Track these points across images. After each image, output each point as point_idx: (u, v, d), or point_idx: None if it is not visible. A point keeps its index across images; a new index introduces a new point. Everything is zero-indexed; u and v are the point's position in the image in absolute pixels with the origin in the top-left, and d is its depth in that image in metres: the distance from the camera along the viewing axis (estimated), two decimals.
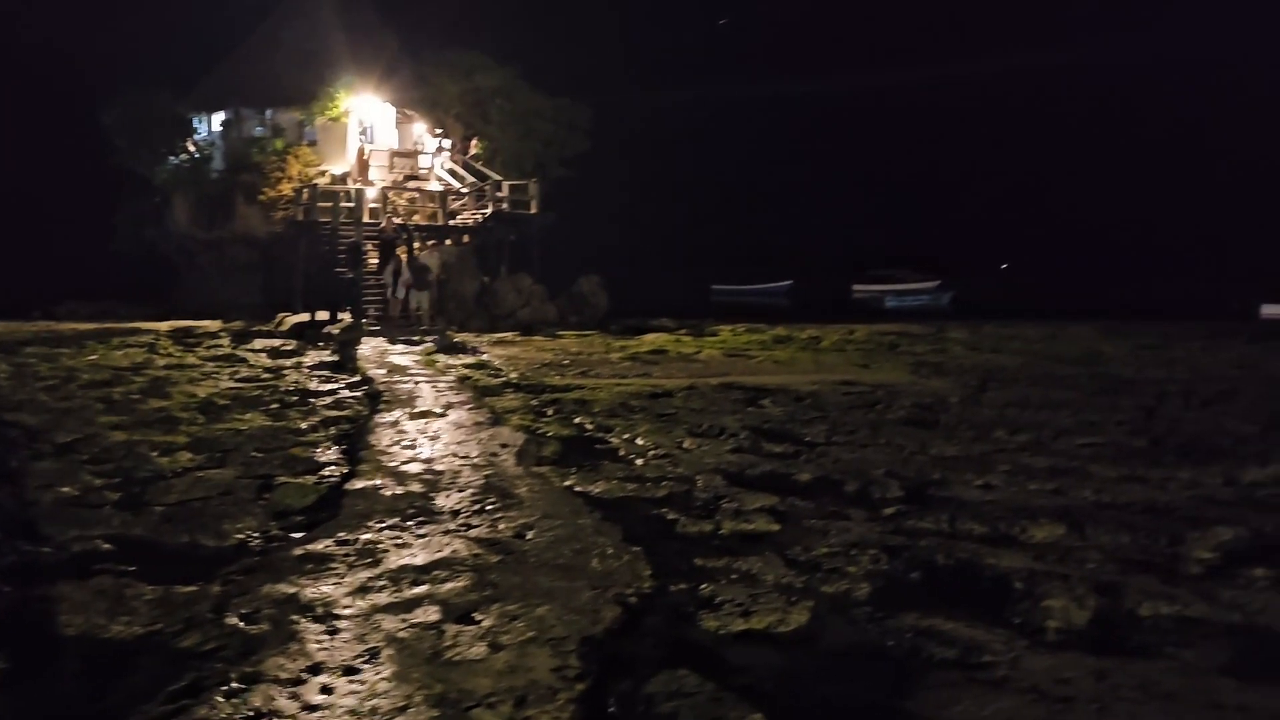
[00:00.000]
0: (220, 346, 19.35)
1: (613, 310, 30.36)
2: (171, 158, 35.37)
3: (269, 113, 34.91)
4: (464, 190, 31.79)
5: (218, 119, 36.26)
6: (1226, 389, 12.80)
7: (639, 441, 8.76)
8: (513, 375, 14.19)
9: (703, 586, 4.77)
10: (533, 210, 30.70)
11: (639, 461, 7.94)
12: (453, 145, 34.40)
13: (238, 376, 13.82)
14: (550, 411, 10.52)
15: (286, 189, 32.26)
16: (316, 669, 3.76)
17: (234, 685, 3.61)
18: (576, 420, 9.96)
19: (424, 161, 33.43)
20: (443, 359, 16.76)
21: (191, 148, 35.59)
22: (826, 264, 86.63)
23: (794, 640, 4.21)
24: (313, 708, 3.45)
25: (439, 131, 34.82)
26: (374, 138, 34.16)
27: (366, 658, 3.87)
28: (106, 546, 5.52)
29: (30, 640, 4.23)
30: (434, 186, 32.28)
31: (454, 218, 30.56)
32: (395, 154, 33.06)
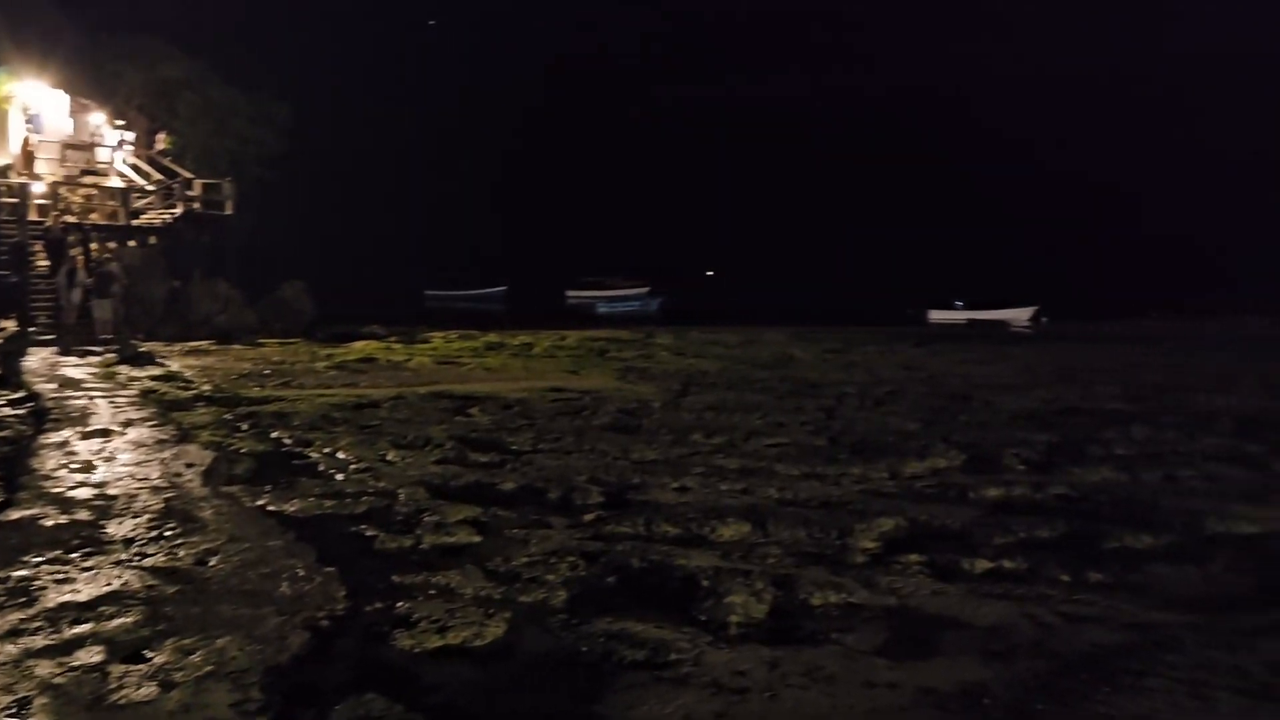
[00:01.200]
0: None
1: (320, 317, 29.16)
2: None
3: None
4: (150, 188, 29.40)
5: None
6: (895, 389, 14.11)
7: (340, 455, 8.46)
8: (205, 387, 13.30)
9: (399, 604, 4.66)
10: (228, 211, 28.89)
11: (339, 476, 7.66)
12: (136, 139, 31.73)
13: None
14: (245, 426, 9.95)
15: None
16: None
17: None
18: (274, 435, 9.48)
19: (102, 155, 30.58)
20: (125, 371, 15.44)
21: None
22: (541, 270, 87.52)
23: (490, 653, 4.20)
24: None
25: (120, 123, 32.00)
26: (42, 127, 30.87)
27: (14, 710, 3.48)
28: None
29: None
30: (115, 183, 29.63)
31: (138, 217, 28.21)
32: (68, 146, 30.01)
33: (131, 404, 11.54)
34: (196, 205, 28.23)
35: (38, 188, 26.94)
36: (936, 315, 43.51)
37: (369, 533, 6.01)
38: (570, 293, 73.47)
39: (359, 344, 22.17)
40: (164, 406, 11.34)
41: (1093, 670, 3.87)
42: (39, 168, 28.46)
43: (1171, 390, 14.30)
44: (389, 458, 8.38)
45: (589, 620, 4.50)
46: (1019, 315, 42.55)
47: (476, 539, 5.90)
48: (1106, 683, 3.73)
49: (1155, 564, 5.49)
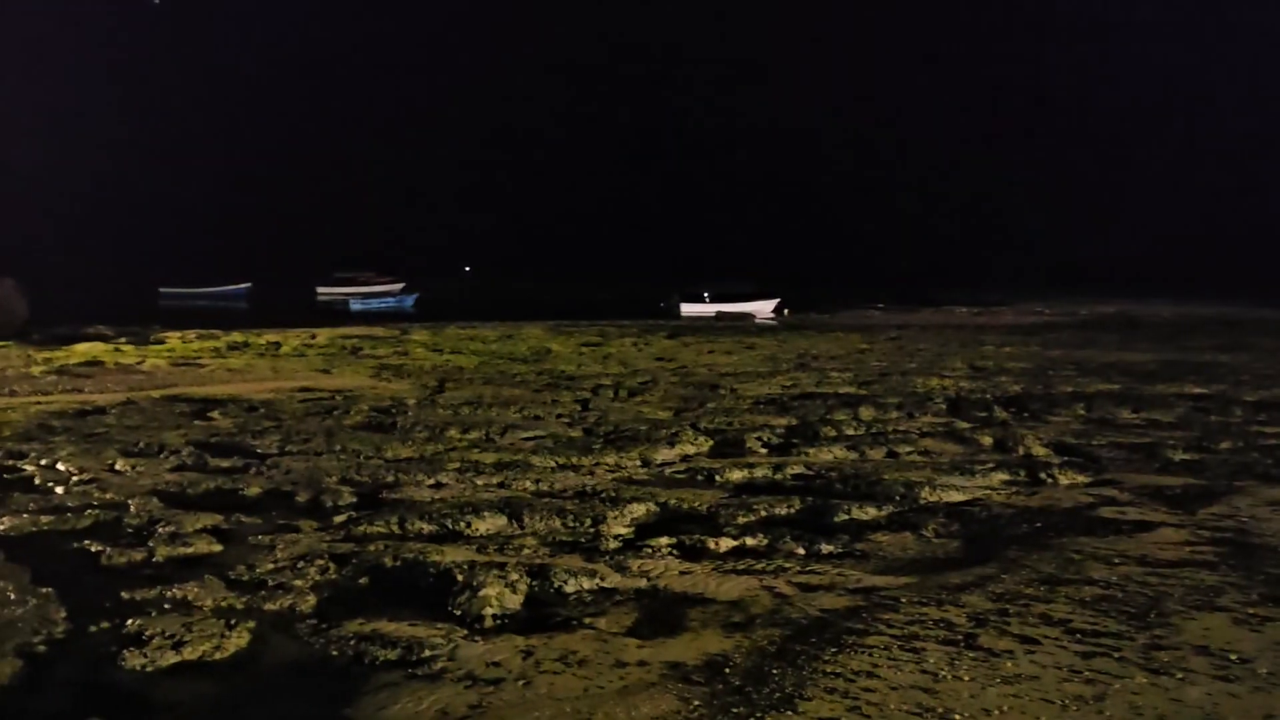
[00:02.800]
0: None
1: (36, 317, 26.59)
2: None
3: None
4: None
5: None
6: (648, 380, 14.51)
7: (60, 467, 7.78)
8: None
9: (129, 622, 4.36)
10: None
11: (59, 490, 7.04)
12: None
13: None
14: None
15: None
16: None
17: None
18: None
19: None
20: None
21: None
22: (288, 265, 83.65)
23: (232, 666, 4.01)
24: None
25: None
26: None
27: None
28: None
29: None
30: None
31: None
32: None
33: None
34: None
35: None
36: (687, 308, 45.03)
37: (94, 548, 5.56)
38: (321, 290, 70.59)
39: (83, 346, 20.40)
40: None
41: (822, 634, 4.15)
42: None
43: (894, 374, 15.48)
44: (117, 467, 7.79)
45: (339, 623, 4.38)
46: (763, 308, 44.79)
47: (217, 548, 5.59)
48: (834, 644, 4.02)
49: (878, 533, 5.96)
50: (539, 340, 23.48)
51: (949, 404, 11.72)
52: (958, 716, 3.34)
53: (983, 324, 34.28)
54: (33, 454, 8.24)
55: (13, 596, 4.64)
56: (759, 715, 3.34)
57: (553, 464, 8.04)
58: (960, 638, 4.09)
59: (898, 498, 6.81)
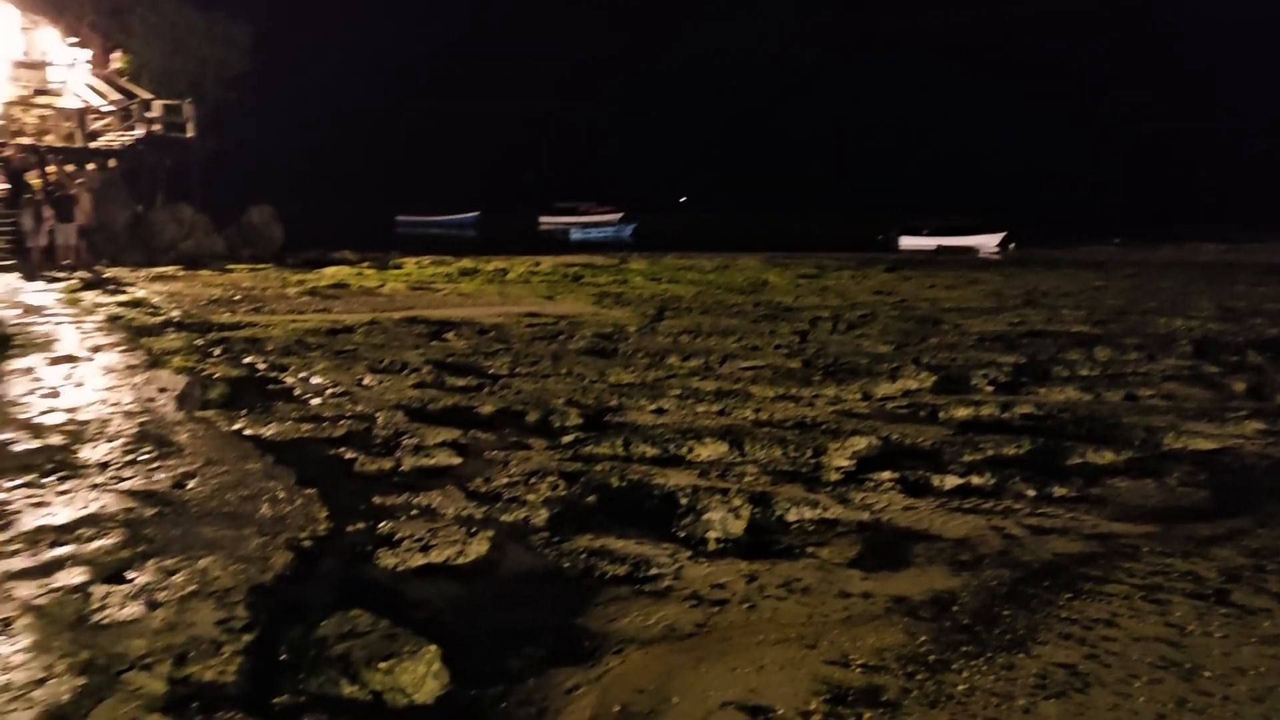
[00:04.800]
0: None
1: (289, 243, 28.76)
2: None
3: None
4: (107, 108, 28.63)
5: None
6: (867, 313, 14.19)
7: (316, 380, 8.43)
8: (174, 313, 13.16)
9: (381, 525, 4.70)
10: (189, 134, 28.21)
11: (315, 401, 7.65)
12: (92, 58, 30.78)
13: None
14: (218, 351, 9.87)
15: None
16: None
17: None
18: (247, 360, 9.42)
19: (55, 75, 29.64)
20: (89, 297, 15.23)
21: None
22: (514, 196, 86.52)
23: (473, 571, 4.26)
24: None
25: (73, 41, 30.98)
26: None
27: None
28: None
29: None
30: (70, 103, 28.79)
31: (96, 139, 27.50)
32: (18, 64, 29.07)
33: (99, 330, 11.41)
34: (157, 127, 27.53)
35: None
36: (907, 242, 43.51)
37: (348, 455, 6.03)
38: (543, 219, 72.73)
39: (330, 270, 21.94)
40: (132, 332, 11.22)
41: (1056, 578, 3.98)
42: None
43: (1132, 313, 14.47)
44: (365, 382, 8.36)
45: (570, 538, 4.56)
46: (988, 241, 42.65)
47: (456, 461, 5.93)
48: (1069, 589, 3.85)
49: (1116, 478, 5.62)
50: (755, 272, 23.36)
51: (1195, 346, 10.84)
52: (1208, 673, 3.14)
53: (1233, 261, 31.42)
54: (292, 367, 8.97)
55: (282, 496, 5.10)
56: (990, 655, 3.26)
57: (772, 394, 8.03)
58: (1210, 592, 3.82)
59: (1137, 443, 6.39)
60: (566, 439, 6.52)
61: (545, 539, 4.60)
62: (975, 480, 5.54)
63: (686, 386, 8.26)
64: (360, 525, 4.72)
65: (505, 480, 5.46)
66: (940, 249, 40.14)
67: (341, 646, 3.28)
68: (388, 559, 4.29)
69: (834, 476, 5.66)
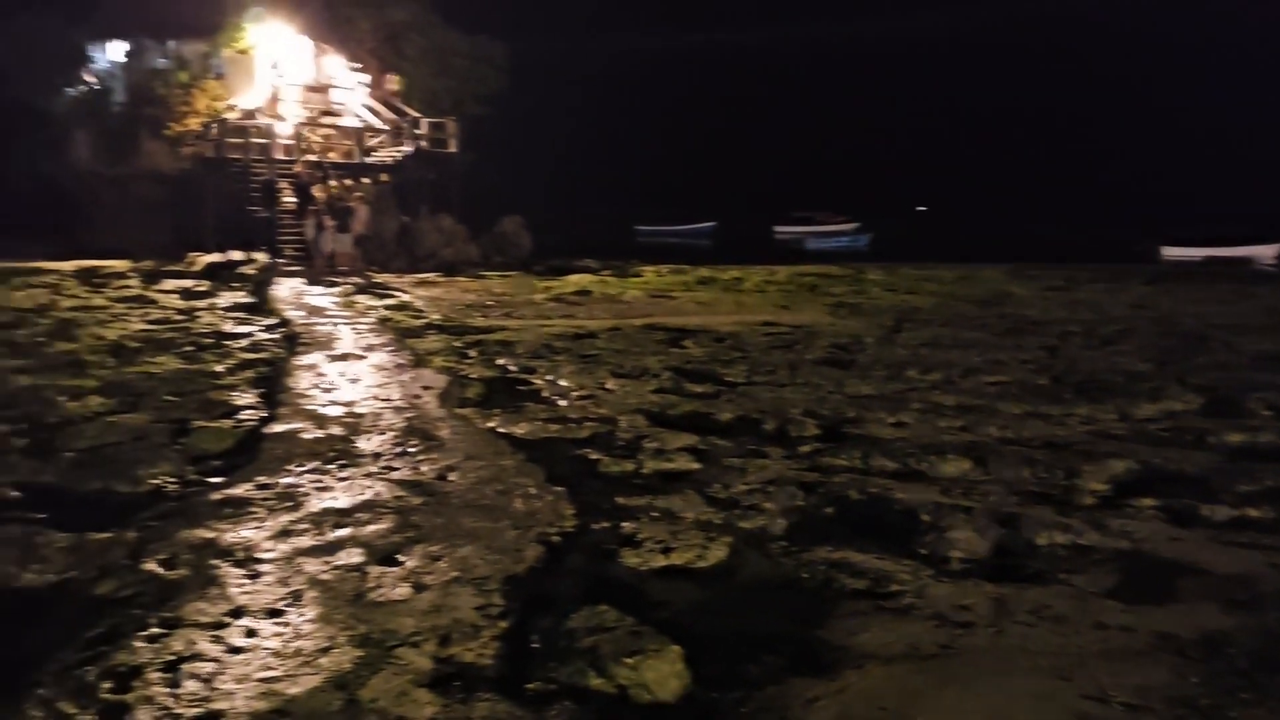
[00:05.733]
0: (129, 287, 18.76)
1: (536, 251, 30.15)
2: (69, 89, 33.86)
3: (171, 44, 33.50)
4: (382, 127, 31.05)
5: (117, 49, 34.69)
6: (1124, 329, 13.31)
7: (562, 383, 8.82)
8: (435, 317, 14.09)
9: (624, 525, 4.87)
10: (452, 149, 30.17)
11: (562, 403, 8.00)
12: (370, 81, 33.50)
13: (149, 318, 13.47)
14: (473, 353, 10.50)
15: (193, 124, 31.11)
16: (239, 612, 3.77)
17: (154, 630, 3.61)
18: (499, 362, 9.97)
19: (339, 97, 32.48)
20: (362, 300, 16.55)
21: (90, 79, 34.09)
22: (750, 206, 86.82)
23: (713, 575, 4.34)
24: (236, 650, 3.47)
25: (355, 66, 33.84)
26: (286, 72, 33.04)
27: (289, 600, 3.89)
28: (14, 494, 5.41)
29: None
30: (350, 123, 31.44)
31: (371, 155, 29.88)
32: (309, 89, 32.05)
33: (371, 331, 12.39)
34: (424, 143, 29.61)
35: (283, 128, 28.96)
36: (1170, 252, 40.33)
37: (592, 456, 6.28)
38: (778, 229, 72.62)
39: (574, 277, 22.80)
40: (399, 333, 12.11)
41: None
42: (284, 110, 30.56)
43: None
44: (608, 386, 8.66)
45: (808, 548, 4.57)
46: (1264, 253, 38.86)
47: (695, 466, 6.05)
48: None
49: None
50: (998, 283, 22.38)
51: None
52: None
53: None
54: (540, 369, 9.42)
55: (533, 492, 5.38)
56: (1272, 705, 3.01)
57: (1019, 411, 7.70)
58: None
59: None
60: (804, 449, 6.51)
61: (783, 548, 4.63)
62: (1251, 513, 5.11)
63: (927, 400, 8.06)
64: (604, 524, 4.92)
65: (743, 487, 5.53)
66: (1208, 260, 36.96)
67: (590, 639, 3.44)
68: (631, 558, 4.45)
69: (1088, 500, 5.37)
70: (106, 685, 3.27)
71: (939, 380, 9.08)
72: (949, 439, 6.69)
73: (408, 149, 29.38)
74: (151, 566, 4.25)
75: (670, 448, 6.39)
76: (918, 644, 3.49)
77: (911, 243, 51.41)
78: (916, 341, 11.72)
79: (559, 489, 5.44)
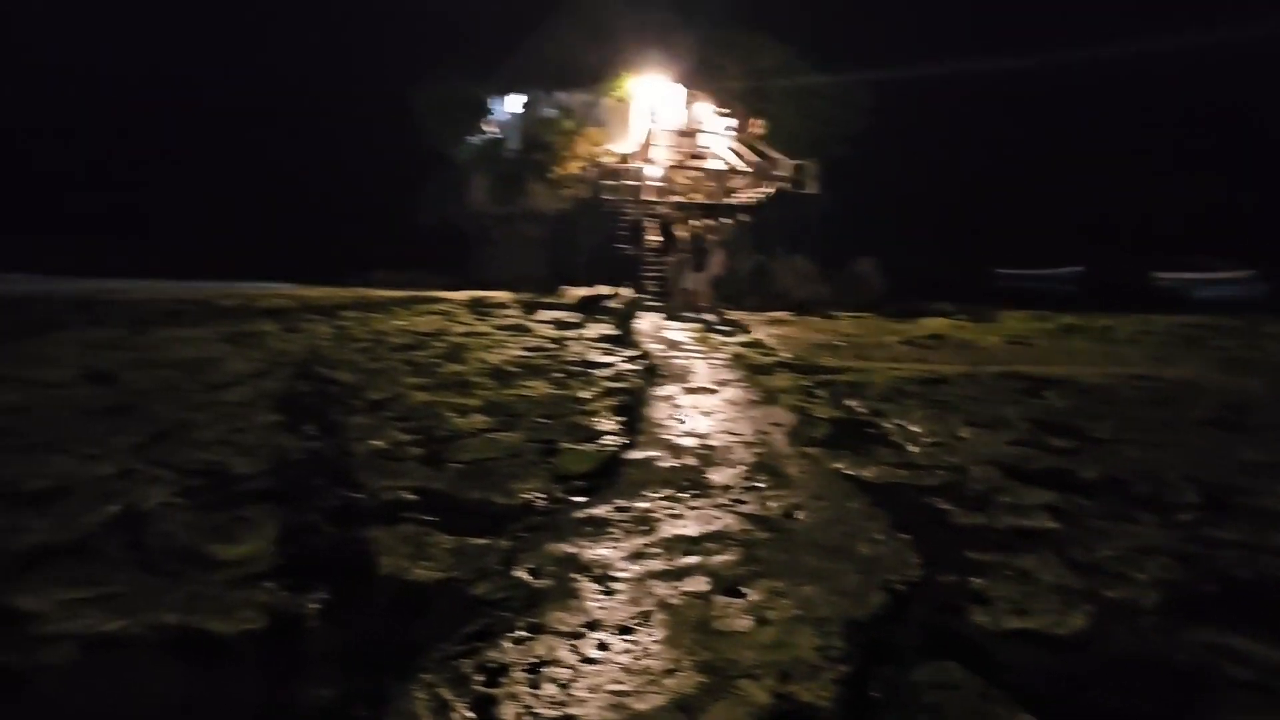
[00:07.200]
0: (510, 316, 20.64)
1: (890, 293, 29.71)
2: (471, 138, 37.98)
3: (560, 94, 36.67)
4: (743, 169, 32.06)
5: (514, 101, 38.52)
6: None
7: (912, 428, 8.61)
8: (785, 355, 14.27)
9: (973, 580, 4.68)
10: (810, 190, 30.54)
11: (911, 448, 7.81)
12: (735, 124, 34.78)
13: (526, 345, 14.73)
14: (821, 393, 10.52)
15: (574, 168, 33.75)
16: (594, 625, 4.03)
17: (520, 633, 3.95)
18: (848, 403, 9.91)
19: (706, 141, 34.00)
20: (716, 336, 17.09)
21: (490, 128, 38.04)
22: (1123, 249, 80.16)
23: (1070, 644, 4.06)
24: (590, 660, 3.71)
25: (722, 111, 35.29)
26: (659, 117, 35.10)
27: (640, 619, 4.10)
28: (411, 497, 6.11)
29: (347, 576, 4.79)
30: (715, 166, 32.76)
31: (732, 196, 30.91)
32: (679, 133, 33.83)
33: (724, 366, 12.77)
34: (783, 185, 30.22)
35: (652, 172, 30.71)
36: None
37: (941, 505, 6.07)
38: (1158, 274, 66.52)
39: (928, 320, 22.20)
40: (750, 370, 12.38)
41: None
42: (654, 154, 32.43)
43: None
44: (961, 434, 8.35)
45: (1183, 626, 4.15)
46: None
47: (1054, 525, 5.69)
48: None
49: None
50: None
51: None
52: None
53: None
54: (889, 413, 9.26)
55: (878, 537, 5.30)
56: None
57: None
58: None
59: None
60: (1182, 517, 5.91)
61: (1154, 622, 4.23)
62: None
63: None
64: (952, 577, 4.74)
65: (1109, 553, 5.12)
66: None
67: (934, 695, 3.34)
68: (980, 616, 4.26)
69: None
70: (479, 678, 3.62)
71: None
72: None
73: (768, 190, 30.09)
74: (521, 574, 4.64)
75: (1026, 503, 6.05)
76: None
77: None
78: None
79: (905, 536, 5.32)
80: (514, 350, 14.05)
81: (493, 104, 38.31)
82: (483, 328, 17.72)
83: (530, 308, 23.22)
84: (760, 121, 35.09)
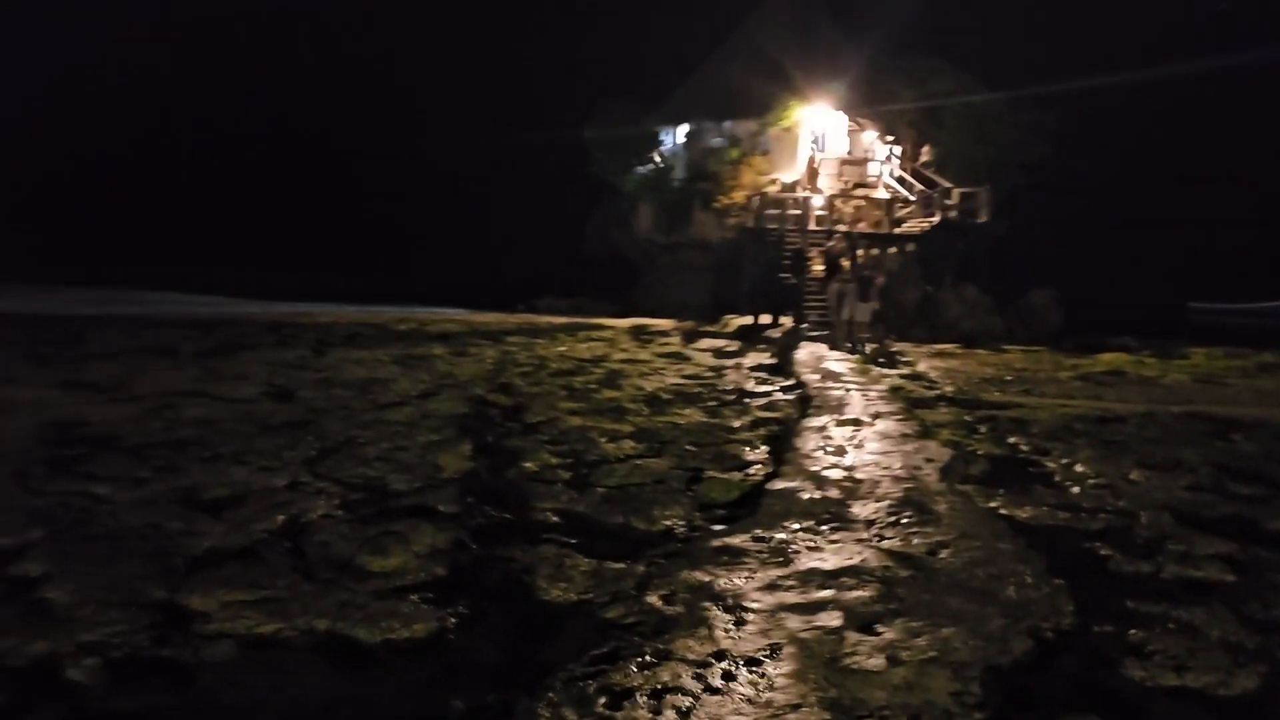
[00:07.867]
0: (670, 344, 20.76)
1: (1067, 326, 28.34)
2: (639, 168, 38.58)
3: (727, 124, 36.83)
4: (912, 198, 31.36)
5: (681, 131, 38.95)
6: None
7: (1078, 468, 8.17)
8: (948, 388, 13.80)
9: (1132, 632, 4.39)
10: (982, 218, 29.55)
11: (1075, 489, 7.41)
12: (903, 152, 34.10)
13: (683, 373, 14.77)
14: (983, 429, 10.11)
15: (739, 197, 33.78)
16: (721, 655, 3.98)
17: (647, 658, 3.94)
18: (1010, 440, 9.49)
19: (872, 169, 33.47)
20: (877, 369, 16.71)
21: (657, 158, 38.57)
22: None
23: (1238, 705, 3.75)
24: (714, 690, 3.67)
25: (890, 139, 34.68)
26: (824, 146, 34.78)
27: (768, 652, 4.03)
28: (554, 519, 6.22)
29: (487, 593, 4.90)
30: (881, 194, 32.20)
31: (899, 226, 30.25)
32: (844, 162, 33.44)
33: (881, 398, 12.45)
34: (953, 214, 29.38)
35: (817, 200, 30.43)
36: None
37: (1103, 551, 5.73)
38: None
39: (1107, 355, 21.04)
40: (909, 403, 12.03)
41: None
42: (820, 183, 32.14)
43: None
44: (1131, 476, 7.86)
45: None
46: None
47: (1229, 578, 5.27)
48: None
49: None
50: None
51: None
52: None
53: None
54: (1054, 451, 8.81)
55: (1029, 581, 5.04)
56: None
57: None
58: None
59: None
60: None
61: None
62: None
63: None
64: (1108, 627, 4.46)
65: None
66: None
67: None
68: (1135, 670, 3.99)
69: None
70: (601, 700, 3.63)
71: None
72: None
73: (936, 219, 29.32)
74: (653, 600, 4.64)
75: (1199, 553, 5.63)
76: None
77: None
78: None
79: (1059, 581, 5.03)
80: (671, 378, 14.11)
81: (661, 134, 38.88)
82: (642, 355, 17.88)
83: (691, 336, 23.30)
84: (928, 148, 34.24)
